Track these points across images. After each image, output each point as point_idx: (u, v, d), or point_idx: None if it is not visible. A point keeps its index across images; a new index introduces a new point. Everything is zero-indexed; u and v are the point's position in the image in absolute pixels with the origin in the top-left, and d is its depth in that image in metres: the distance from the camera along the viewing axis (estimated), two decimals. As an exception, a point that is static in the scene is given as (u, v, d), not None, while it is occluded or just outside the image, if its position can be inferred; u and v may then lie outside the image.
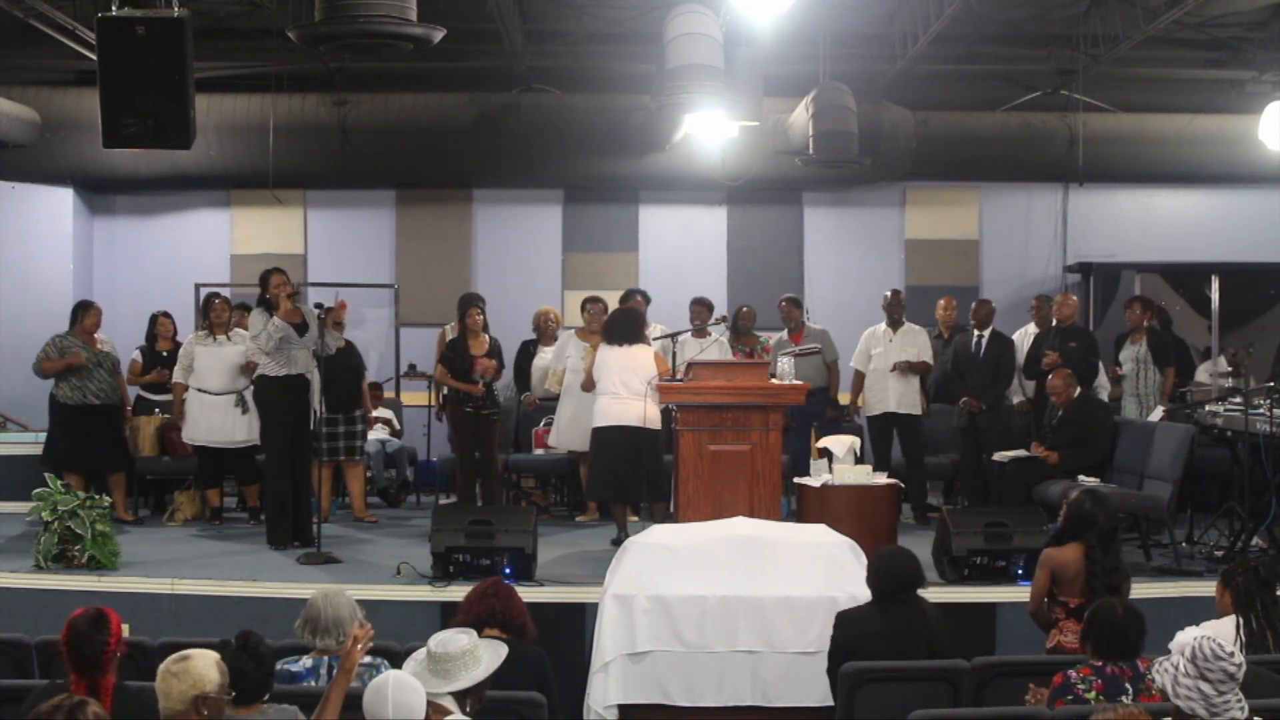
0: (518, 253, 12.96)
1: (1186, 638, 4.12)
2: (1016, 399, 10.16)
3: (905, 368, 9.88)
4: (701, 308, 10.28)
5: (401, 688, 3.76)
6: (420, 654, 4.33)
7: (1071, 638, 5.56)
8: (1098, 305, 12.62)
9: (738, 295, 12.29)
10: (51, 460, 9.20)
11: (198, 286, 12.18)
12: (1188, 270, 12.91)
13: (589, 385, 8.97)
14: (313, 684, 4.78)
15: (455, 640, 4.28)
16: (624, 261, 12.97)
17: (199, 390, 9.38)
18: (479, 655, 4.29)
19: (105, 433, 9.46)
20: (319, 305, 8.36)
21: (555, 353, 9.97)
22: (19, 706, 4.35)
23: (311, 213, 13.03)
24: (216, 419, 9.34)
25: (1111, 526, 5.77)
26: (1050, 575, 5.71)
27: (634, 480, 8.48)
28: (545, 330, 10.47)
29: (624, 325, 8.77)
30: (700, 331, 10.00)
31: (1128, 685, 4.53)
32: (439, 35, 7.27)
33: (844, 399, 10.72)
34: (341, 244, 12.98)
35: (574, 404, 9.38)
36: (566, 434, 9.54)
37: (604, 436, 8.55)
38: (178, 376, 9.48)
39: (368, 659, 4.90)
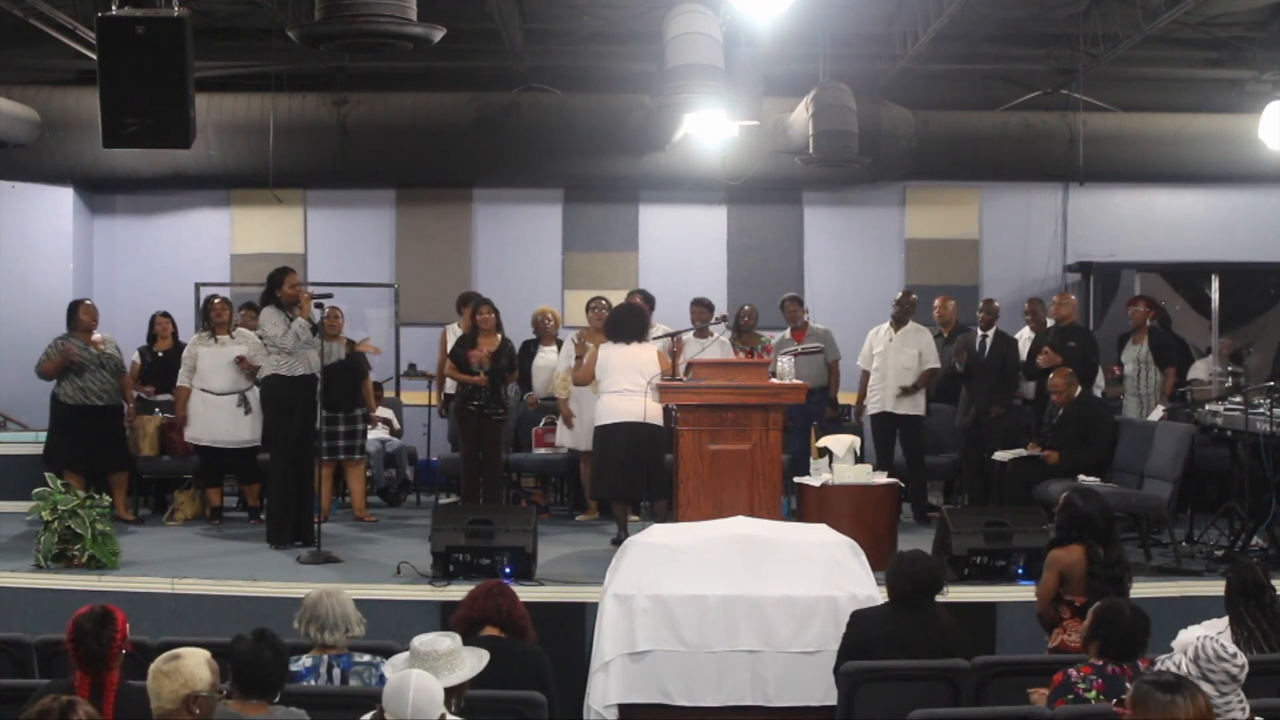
0: (518, 253, 12.97)
1: (1189, 637, 4.13)
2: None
3: (911, 390, 9.88)
4: (701, 308, 10.27)
5: (421, 686, 3.78)
6: (402, 656, 4.34)
7: (1076, 637, 5.55)
8: (1098, 305, 12.63)
9: (738, 295, 12.29)
10: (53, 460, 9.20)
11: (198, 286, 12.19)
12: (1188, 270, 12.91)
13: (584, 379, 8.95)
14: (313, 683, 4.78)
15: (440, 642, 4.33)
16: (624, 261, 12.97)
17: (203, 390, 9.38)
18: (462, 658, 4.33)
19: (106, 433, 9.44)
20: (319, 302, 8.38)
21: (563, 354, 9.93)
22: (20, 706, 4.35)
23: (312, 212, 13.04)
24: (220, 419, 9.34)
25: (1107, 522, 5.77)
26: (1059, 576, 5.69)
27: (639, 476, 8.43)
28: (545, 330, 10.46)
29: (627, 323, 8.74)
30: (702, 331, 9.99)
31: (1128, 685, 4.52)
32: (439, 35, 7.27)
33: (847, 398, 10.73)
34: (341, 243, 12.99)
35: (581, 403, 9.37)
36: (577, 432, 9.53)
37: (609, 434, 8.49)
38: (182, 379, 9.46)
39: (366, 658, 4.91)
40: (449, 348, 9.62)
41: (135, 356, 10.04)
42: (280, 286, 8.60)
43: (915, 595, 5.50)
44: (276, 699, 4.21)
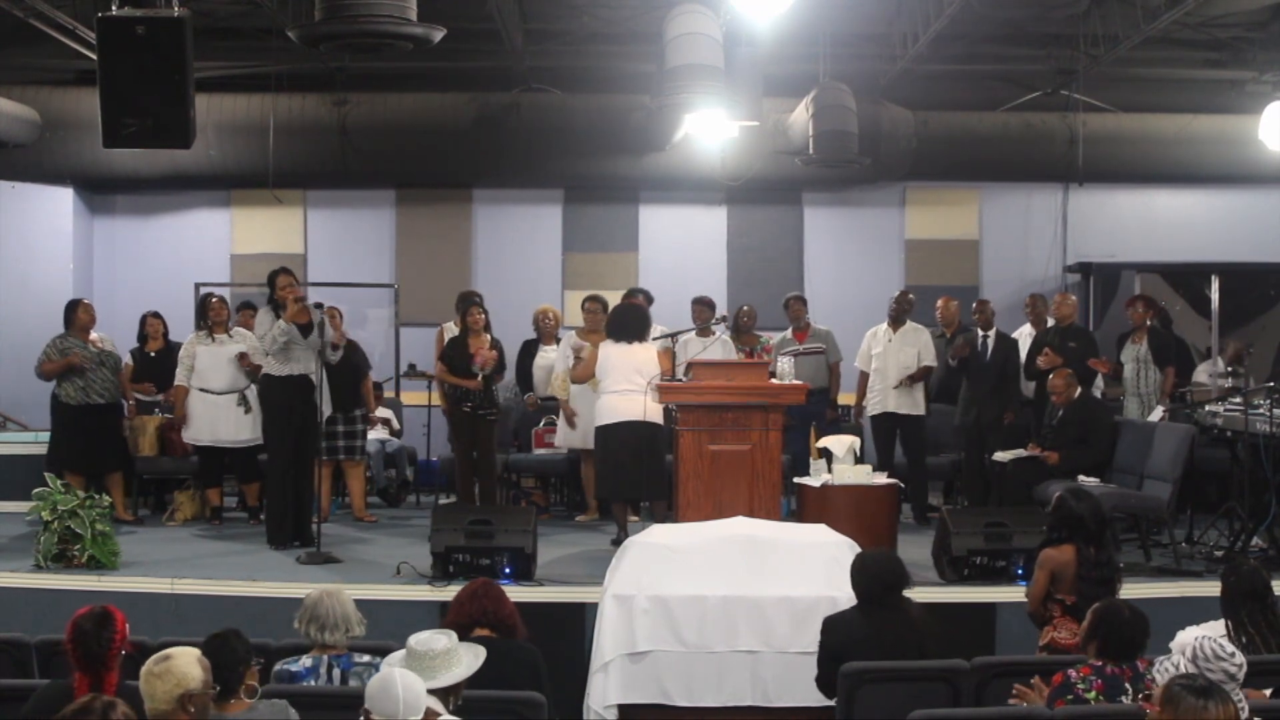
0: (518, 253, 12.97)
1: (1187, 638, 4.13)
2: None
3: (907, 384, 9.89)
4: (703, 307, 10.28)
5: (407, 684, 3.78)
6: (398, 655, 4.34)
7: (1066, 634, 5.58)
8: (1098, 305, 12.64)
9: (738, 295, 12.29)
10: (57, 462, 9.19)
11: (198, 286, 12.17)
12: (1188, 270, 12.92)
13: (583, 377, 8.94)
14: (312, 683, 4.78)
15: (436, 640, 4.33)
16: (624, 261, 12.97)
17: (201, 390, 9.39)
18: (459, 656, 4.33)
19: (106, 432, 9.46)
20: (318, 304, 8.40)
21: (560, 354, 9.94)
22: (20, 706, 4.36)
23: (311, 212, 13.04)
24: (219, 418, 9.35)
25: (1099, 522, 5.78)
26: (1050, 575, 5.71)
27: (642, 475, 8.41)
28: (545, 329, 10.47)
29: (629, 322, 8.73)
30: (704, 330, 9.99)
31: (1128, 685, 4.53)
32: (439, 35, 7.27)
33: (846, 399, 10.73)
34: (341, 244, 12.99)
35: (581, 403, 9.37)
36: (575, 433, 9.54)
37: (611, 433, 8.46)
38: (179, 378, 9.46)
39: (366, 658, 4.91)
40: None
41: (127, 358, 10.03)
42: (275, 288, 8.63)
43: (883, 594, 5.49)
44: (252, 697, 4.19)
